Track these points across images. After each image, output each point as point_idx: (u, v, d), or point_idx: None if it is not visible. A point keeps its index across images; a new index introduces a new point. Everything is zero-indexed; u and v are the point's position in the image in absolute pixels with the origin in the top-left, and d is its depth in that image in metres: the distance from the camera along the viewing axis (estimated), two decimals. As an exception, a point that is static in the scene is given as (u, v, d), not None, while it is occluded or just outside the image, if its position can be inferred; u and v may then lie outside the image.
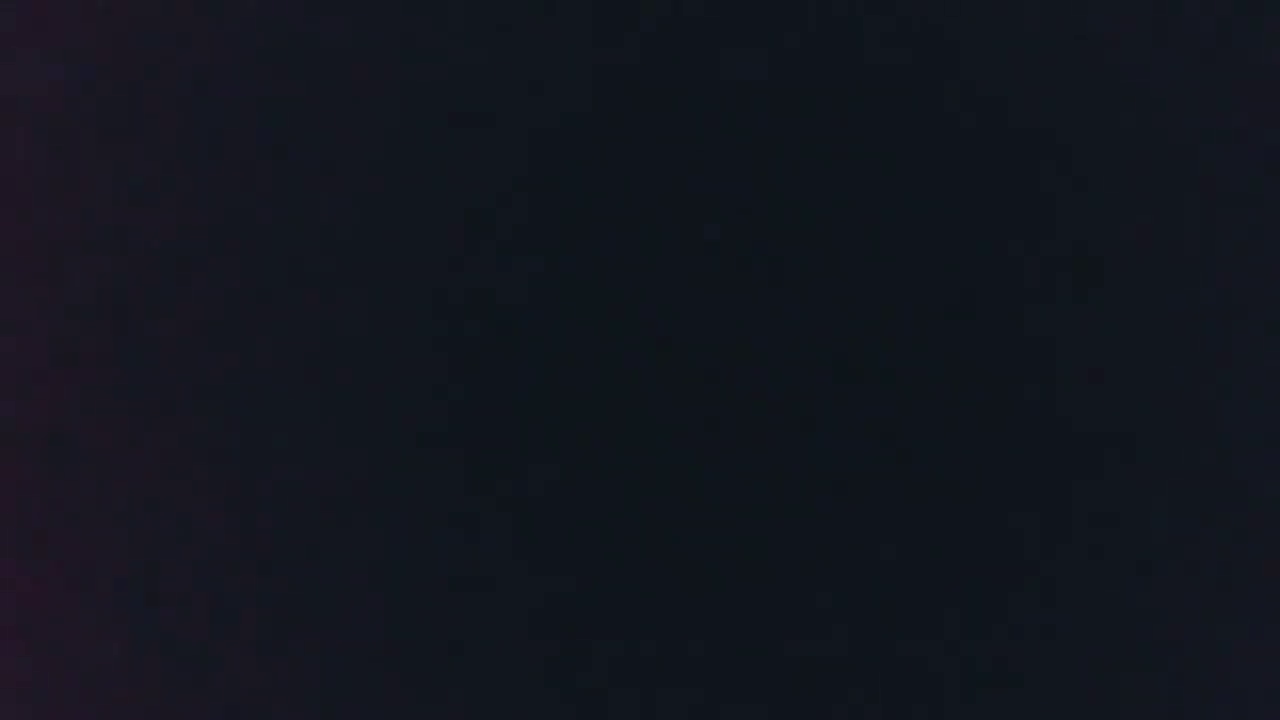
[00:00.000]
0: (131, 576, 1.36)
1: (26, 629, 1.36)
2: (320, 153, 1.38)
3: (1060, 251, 1.37)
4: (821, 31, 1.38)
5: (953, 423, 1.36)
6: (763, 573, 1.35)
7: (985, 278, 1.36)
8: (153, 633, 1.36)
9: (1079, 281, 1.37)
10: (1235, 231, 1.37)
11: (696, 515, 1.36)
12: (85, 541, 1.36)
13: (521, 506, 1.36)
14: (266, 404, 1.37)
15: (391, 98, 1.38)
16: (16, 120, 1.37)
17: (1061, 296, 1.37)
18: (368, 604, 1.36)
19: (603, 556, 1.35)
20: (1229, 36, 1.38)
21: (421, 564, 1.36)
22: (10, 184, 1.37)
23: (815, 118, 1.38)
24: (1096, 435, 1.36)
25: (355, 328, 1.37)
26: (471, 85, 1.38)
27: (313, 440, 1.36)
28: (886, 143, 1.37)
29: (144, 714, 1.36)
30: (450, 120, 1.38)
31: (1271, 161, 1.37)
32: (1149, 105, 1.38)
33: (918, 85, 1.37)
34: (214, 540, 1.36)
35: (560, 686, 1.35)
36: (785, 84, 1.38)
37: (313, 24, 1.39)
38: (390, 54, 1.39)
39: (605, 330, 1.36)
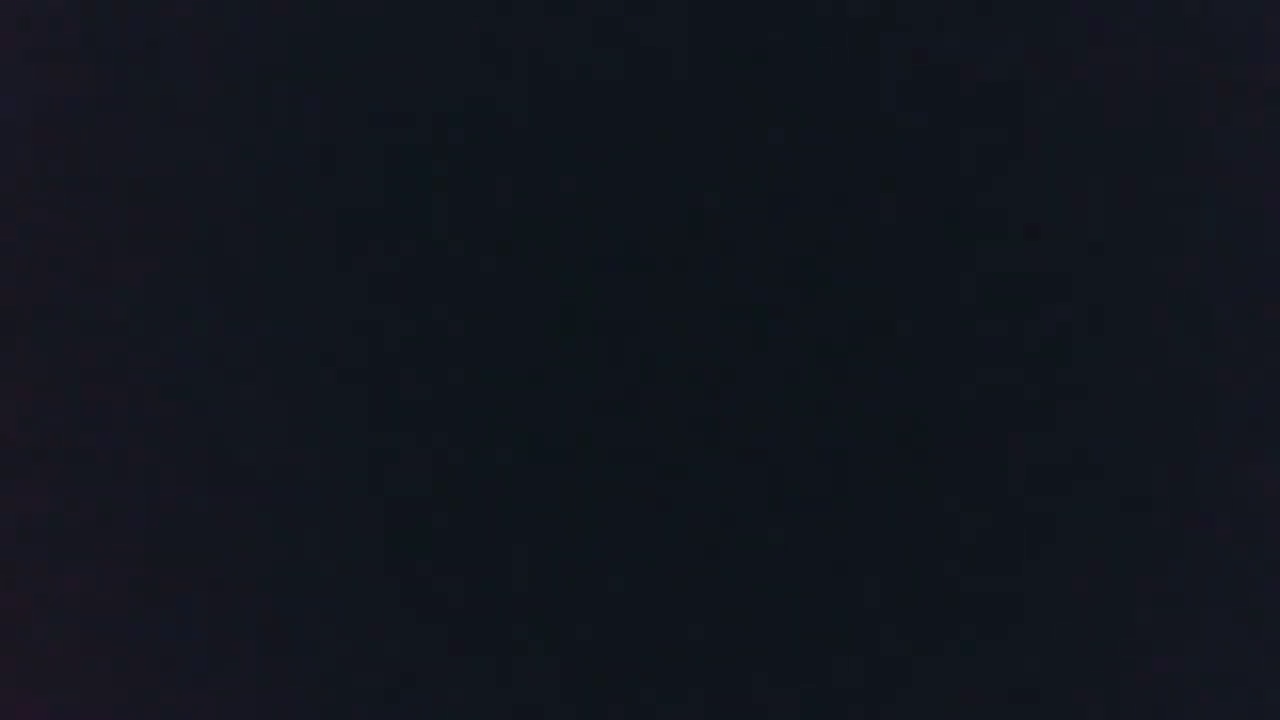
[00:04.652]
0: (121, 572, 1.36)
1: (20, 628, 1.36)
2: (303, 147, 1.38)
3: (1061, 250, 1.37)
4: (817, 29, 1.38)
5: (951, 423, 1.36)
6: (759, 573, 1.35)
7: (982, 276, 1.37)
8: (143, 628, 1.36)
9: (1077, 280, 1.37)
10: (1235, 232, 1.38)
11: (689, 516, 1.36)
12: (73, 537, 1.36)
13: (514, 508, 1.36)
14: (255, 399, 1.37)
15: (374, 92, 1.39)
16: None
17: (1059, 296, 1.37)
18: (357, 602, 1.36)
19: (595, 556, 1.36)
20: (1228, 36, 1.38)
21: (408, 563, 1.36)
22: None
23: (813, 114, 1.38)
24: (1096, 436, 1.36)
25: (345, 324, 1.37)
26: (460, 80, 1.38)
27: (299, 439, 1.36)
28: (884, 139, 1.38)
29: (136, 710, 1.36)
30: (438, 117, 1.38)
31: (1272, 161, 1.38)
32: (1150, 104, 1.38)
33: (917, 83, 1.38)
34: (202, 536, 1.36)
35: (554, 687, 1.35)
36: (784, 83, 1.38)
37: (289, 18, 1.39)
38: (373, 46, 1.39)
39: (601, 328, 1.37)
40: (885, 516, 1.35)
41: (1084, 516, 1.36)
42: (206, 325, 1.37)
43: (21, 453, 1.37)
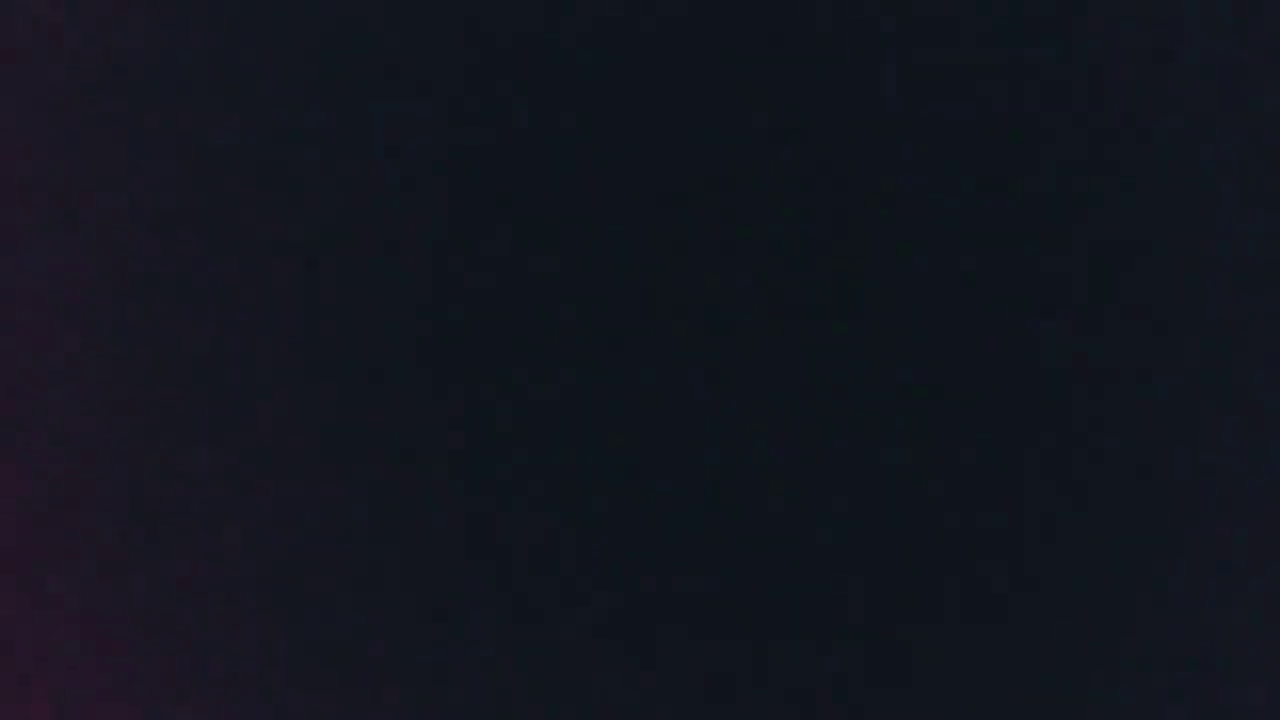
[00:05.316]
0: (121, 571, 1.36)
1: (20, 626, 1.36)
2: (300, 146, 1.38)
3: (1063, 253, 1.37)
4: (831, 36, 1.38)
5: (952, 424, 1.36)
6: (760, 572, 1.35)
7: (982, 278, 1.37)
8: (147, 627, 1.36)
9: (1080, 285, 1.37)
10: (1235, 233, 1.38)
11: (691, 518, 1.36)
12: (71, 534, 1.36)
13: (517, 511, 1.36)
14: (260, 401, 1.37)
15: (377, 90, 1.39)
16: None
17: (1059, 299, 1.37)
18: (358, 603, 1.36)
19: (596, 555, 1.36)
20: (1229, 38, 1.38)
21: (411, 564, 1.36)
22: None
23: (817, 116, 1.38)
24: (1097, 438, 1.36)
25: (346, 323, 1.37)
26: (463, 80, 1.39)
27: (298, 440, 1.36)
28: (888, 143, 1.38)
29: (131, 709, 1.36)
30: (440, 118, 1.38)
31: (1272, 162, 1.38)
32: (1149, 107, 1.38)
33: (923, 89, 1.38)
34: (207, 537, 1.36)
35: (554, 688, 1.36)
36: (786, 89, 1.38)
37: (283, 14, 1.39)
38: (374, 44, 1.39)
39: (601, 328, 1.37)
40: (885, 516, 1.36)
41: (1084, 517, 1.36)
42: (208, 324, 1.37)
43: (21, 451, 1.37)
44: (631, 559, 1.35)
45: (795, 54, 1.38)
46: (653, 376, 1.36)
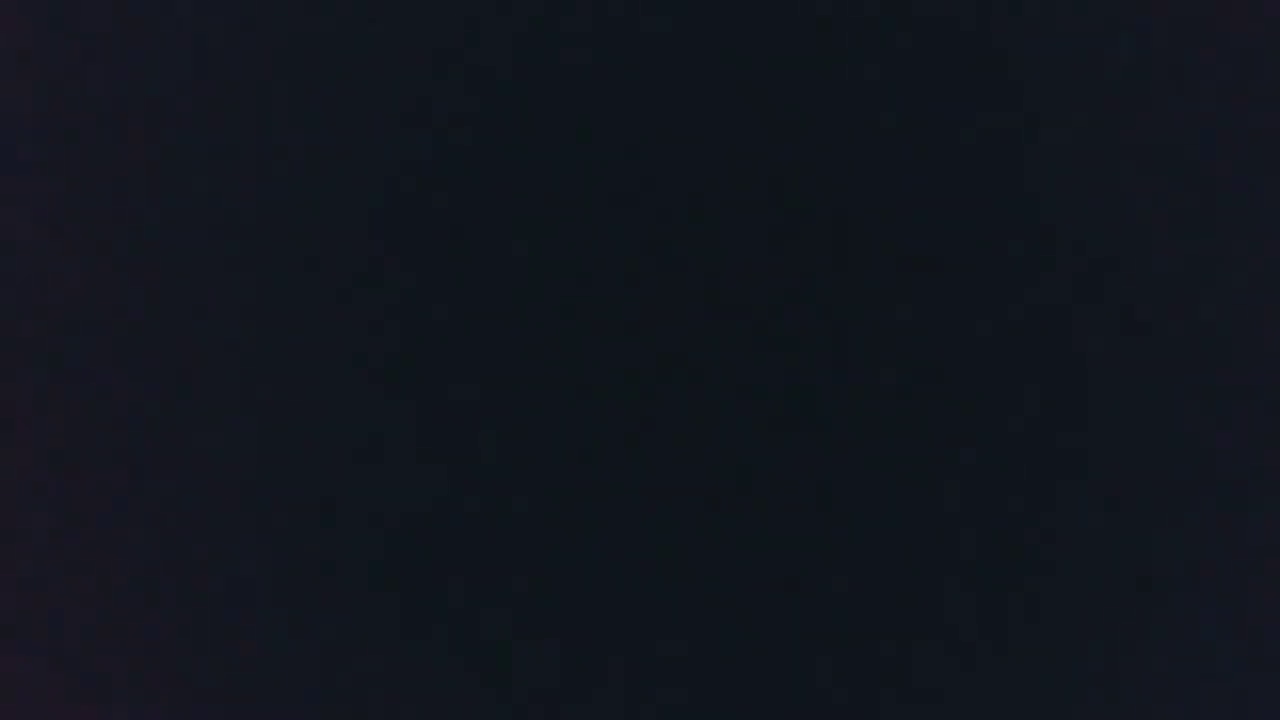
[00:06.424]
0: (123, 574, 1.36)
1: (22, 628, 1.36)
2: (301, 148, 1.38)
3: (1062, 253, 1.37)
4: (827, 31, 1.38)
5: (951, 424, 1.36)
6: (760, 572, 1.35)
7: (982, 276, 1.37)
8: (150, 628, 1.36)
9: (1078, 283, 1.37)
10: (1235, 232, 1.38)
11: (689, 516, 1.36)
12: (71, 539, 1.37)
13: (515, 511, 1.36)
14: (257, 399, 1.37)
15: (372, 90, 1.39)
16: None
17: (1060, 298, 1.37)
18: (358, 603, 1.36)
19: (595, 556, 1.36)
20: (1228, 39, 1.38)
21: (409, 562, 1.36)
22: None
23: (814, 114, 1.38)
24: (1096, 437, 1.36)
25: (348, 323, 1.37)
26: (460, 81, 1.39)
27: (293, 442, 1.36)
28: (885, 139, 1.37)
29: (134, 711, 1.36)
30: (437, 117, 1.38)
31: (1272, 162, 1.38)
32: (1148, 107, 1.38)
33: (921, 88, 1.38)
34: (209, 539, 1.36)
35: (554, 688, 1.36)
36: (785, 89, 1.38)
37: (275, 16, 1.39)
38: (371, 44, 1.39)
39: (601, 329, 1.37)
40: (884, 517, 1.36)
41: (1084, 518, 1.36)
42: (209, 326, 1.37)
43: (22, 452, 1.37)
44: (631, 560, 1.35)
45: (794, 54, 1.38)
46: (651, 377, 1.36)
